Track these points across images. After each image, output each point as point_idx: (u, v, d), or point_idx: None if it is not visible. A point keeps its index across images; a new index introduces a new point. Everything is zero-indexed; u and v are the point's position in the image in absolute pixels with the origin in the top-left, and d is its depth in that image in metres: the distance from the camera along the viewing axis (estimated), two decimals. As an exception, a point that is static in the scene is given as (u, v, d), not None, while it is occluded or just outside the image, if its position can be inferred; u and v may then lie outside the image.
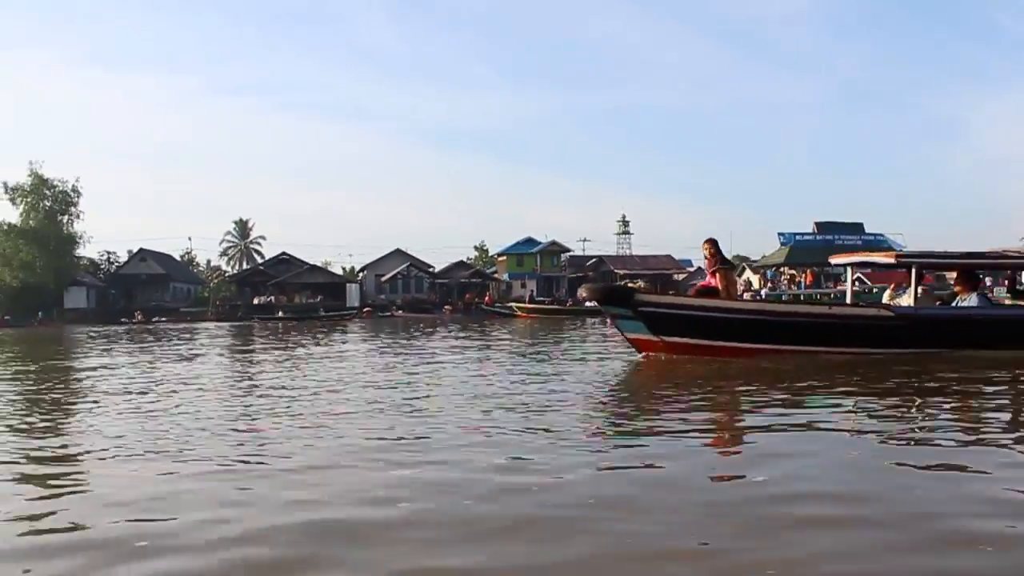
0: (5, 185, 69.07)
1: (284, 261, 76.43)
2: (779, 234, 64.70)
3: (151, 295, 74.77)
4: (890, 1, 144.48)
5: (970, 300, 10.87)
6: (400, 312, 61.50)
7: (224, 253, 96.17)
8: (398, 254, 76.75)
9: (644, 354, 10.81)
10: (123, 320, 61.47)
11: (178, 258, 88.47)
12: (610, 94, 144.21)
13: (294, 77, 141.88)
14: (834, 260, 12.63)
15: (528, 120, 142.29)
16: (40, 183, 69.43)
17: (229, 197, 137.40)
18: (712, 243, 11.10)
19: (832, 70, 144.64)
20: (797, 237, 63.46)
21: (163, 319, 62.04)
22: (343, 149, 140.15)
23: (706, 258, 11.23)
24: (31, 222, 68.72)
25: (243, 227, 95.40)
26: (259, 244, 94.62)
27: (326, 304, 65.53)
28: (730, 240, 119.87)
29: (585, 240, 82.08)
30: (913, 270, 10.68)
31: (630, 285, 10.75)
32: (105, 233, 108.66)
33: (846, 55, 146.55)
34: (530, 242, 77.37)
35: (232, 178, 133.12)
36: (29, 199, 69.18)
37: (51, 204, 69.74)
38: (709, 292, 10.98)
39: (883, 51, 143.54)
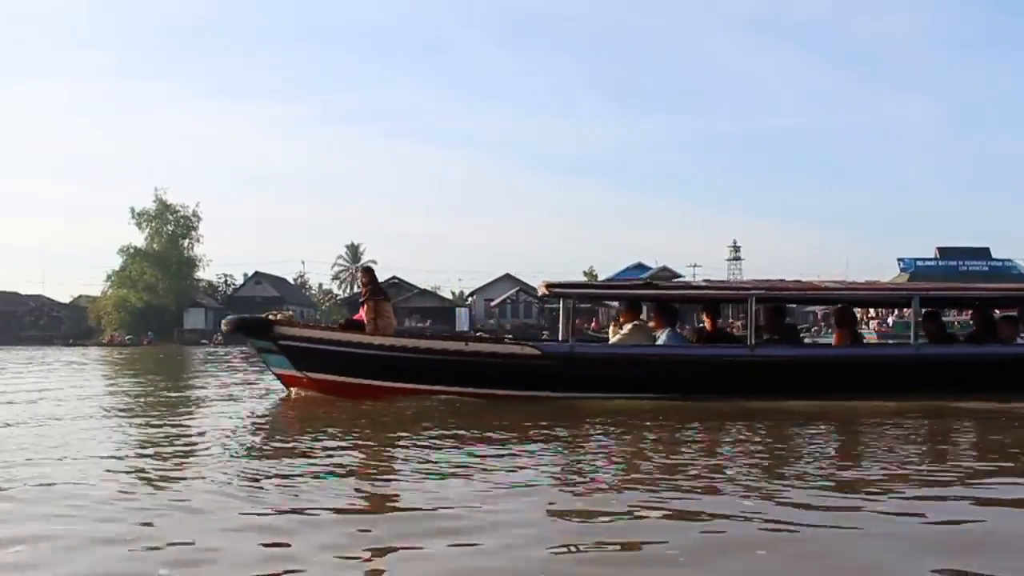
0: (132, 210, 72.06)
1: (394, 285, 77.39)
2: (899, 260, 62.63)
3: (266, 316, 76.53)
4: (1011, 15, 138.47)
5: (662, 337, 9.58)
6: (509, 337, 60.88)
7: (336, 277, 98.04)
8: (507, 279, 76.90)
9: (292, 392, 10.00)
10: (203, 342, 62.66)
11: (291, 281, 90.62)
12: (719, 118, 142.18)
13: (406, 104, 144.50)
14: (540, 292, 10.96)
15: (637, 145, 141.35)
16: (164, 208, 72.13)
17: (341, 221, 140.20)
18: (366, 272, 10.45)
19: (952, 89, 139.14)
20: (918, 263, 61.32)
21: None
22: (453, 174, 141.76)
23: (361, 289, 10.47)
24: (155, 246, 71.41)
25: (354, 251, 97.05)
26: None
27: (436, 328, 65.87)
28: (846, 265, 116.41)
29: (695, 266, 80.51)
30: (571, 303, 9.74)
31: (271, 316, 9.91)
32: (223, 256, 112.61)
33: (967, 73, 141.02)
34: (640, 267, 76.38)
35: (344, 203, 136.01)
36: (153, 224, 71.92)
37: (173, 228, 72.34)
38: (354, 325, 10.20)
39: (1005, 67, 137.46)
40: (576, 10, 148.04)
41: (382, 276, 73.43)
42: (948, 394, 8.59)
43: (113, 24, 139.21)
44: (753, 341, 9.23)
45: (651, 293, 10.17)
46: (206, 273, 77.25)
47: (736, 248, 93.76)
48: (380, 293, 10.31)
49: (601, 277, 78.68)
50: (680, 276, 73.68)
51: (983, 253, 61.41)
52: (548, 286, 9.77)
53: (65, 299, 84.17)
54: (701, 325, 10.45)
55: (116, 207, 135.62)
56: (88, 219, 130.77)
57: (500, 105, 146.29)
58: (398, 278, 78.17)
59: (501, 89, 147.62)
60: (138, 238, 72.32)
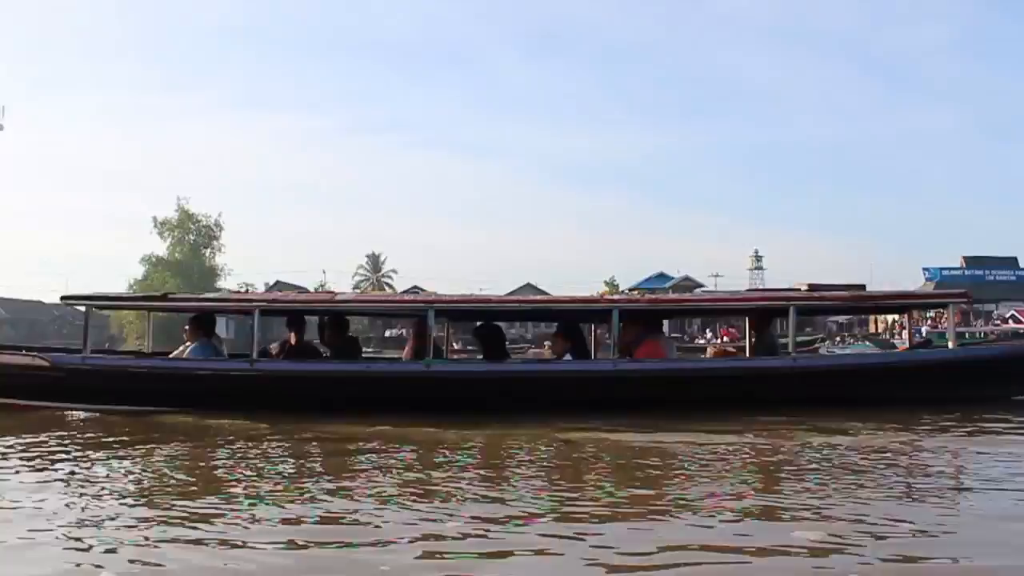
0: (155, 219, 72.45)
1: (415, 294, 77.28)
2: (924, 269, 62.06)
3: (280, 327, 76.58)
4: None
5: (188, 350, 9.45)
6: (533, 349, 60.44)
7: (356, 286, 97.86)
8: (529, 288, 76.57)
9: None
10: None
11: (312, 291, 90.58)
12: (744, 128, 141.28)
13: (429, 116, 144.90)
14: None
15: (661, 155, 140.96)
16: (186, 218, 72.51)
17: (363, 231, 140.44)
18: None
19: (980, 99, 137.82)
20: (944, 272, 60.70)
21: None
22: (476, 184, 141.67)
23: None
24: (177, 255, 71.72)
25: (375, 261, 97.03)
26: (390, 278, 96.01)
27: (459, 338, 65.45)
28: (871, 275, 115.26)
29: (717, 275, 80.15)
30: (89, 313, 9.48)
31: None
32: (245, 266, 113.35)
33: (993, 83, 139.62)
34: (662, 277, 76.10)
35: (367, 213, 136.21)
36: (175, 233, 72.28)
37: (195, 238, 72.67)
38: None
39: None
40: (600, 21, 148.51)
41: (403, 285, 72.70)
42: (457, 413, 8.11)
43: (140, 37, 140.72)
44: (255, 355, 9.03)
45: (166, 305, 9.98)
46: (228, 282, 77.39)
47: (758, 257, 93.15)
48: None
49: (623, 287, 78.50)
50: (703, 286, 73.32)
51: (1010, 263, 60.70)
52: (63, 298, 9.64)
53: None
54: (285, 339, 10.11)
55: (140, 216, 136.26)
56: (112, 228, 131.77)
57: (523, 116, 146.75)
58: (419, 287, 78.07)
59: (524, 100, 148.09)
60: (160, 247, 72.74)
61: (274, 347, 10.20)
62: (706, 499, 4.56)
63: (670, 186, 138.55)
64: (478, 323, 10.49)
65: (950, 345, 9.84)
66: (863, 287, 9.89)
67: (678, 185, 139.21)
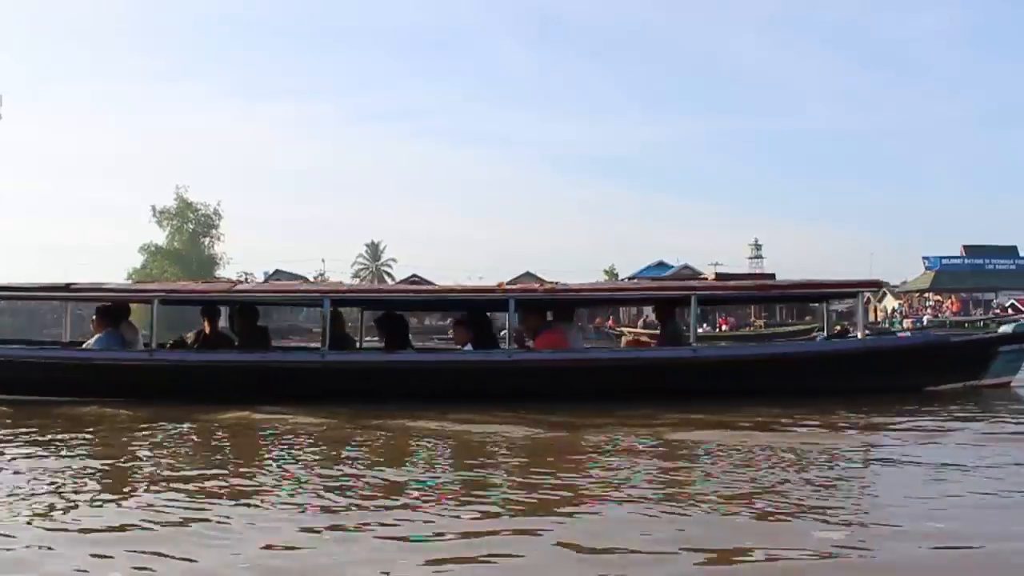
0: (154, 208, 72.34)
1: (414, 283, 76.93)
2: (924, 258, 62.01)
3: (285, 315, 76.48)
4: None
5: (94, 340, 9.46)
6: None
7: (356, 275, 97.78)
8: (528, 277, 76.37)
9: None
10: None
11: (311, 279, 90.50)
12: (745, 118, 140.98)
13: (430, 104, 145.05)
14: None
15: (659, 145, 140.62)
16: (185, 207, 72.40)
17: (364, 220, 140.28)
18: None
19: (979, 87, 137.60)
20: (944, 261, 60.66)
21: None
22: (476, 173, 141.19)
23: None
24: (176, 244, 71.66)
25: (374, 249, 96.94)
26: (390, 266, 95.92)
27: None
28: (870, 264, 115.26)
29: (717, 264, 79.78)
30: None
31: None
32: (245, 255, 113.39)
33: (993, 70, 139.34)
34: (662, 266, 75.98)
35: (365, 202, 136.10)
36: (174, 222, 72.20)
37: (194, 227, 72.56)
38: None
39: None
40: (602, 11, 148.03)
41: (403, 274, 72.51)
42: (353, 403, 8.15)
43: (140, 26, 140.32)
44: (155, 346, 9.07)
45: (70, 295, 9.88)
46: (227, 271, 77.24)
47: (758, 246, 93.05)
48: None
49: (622, 275, 78.43)
50: (701, 274, 73.17)
51: (1011, 251, 60.64)
52: None
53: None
54: (200, 329, 9.99)
55: (139, 206, 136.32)
56: (111, 218, 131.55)
57: (525, 105, 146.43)
58: (418, 276, 77.71)
59: (527, 89, 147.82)
60: (159, 236, 72.68)
61: (190, 336, 10.15)
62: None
63: (670, 175, 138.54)
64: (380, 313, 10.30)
65: (858, 335, 9.56)
66: (772, 276, 9.80)
67: (678, 174, 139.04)
